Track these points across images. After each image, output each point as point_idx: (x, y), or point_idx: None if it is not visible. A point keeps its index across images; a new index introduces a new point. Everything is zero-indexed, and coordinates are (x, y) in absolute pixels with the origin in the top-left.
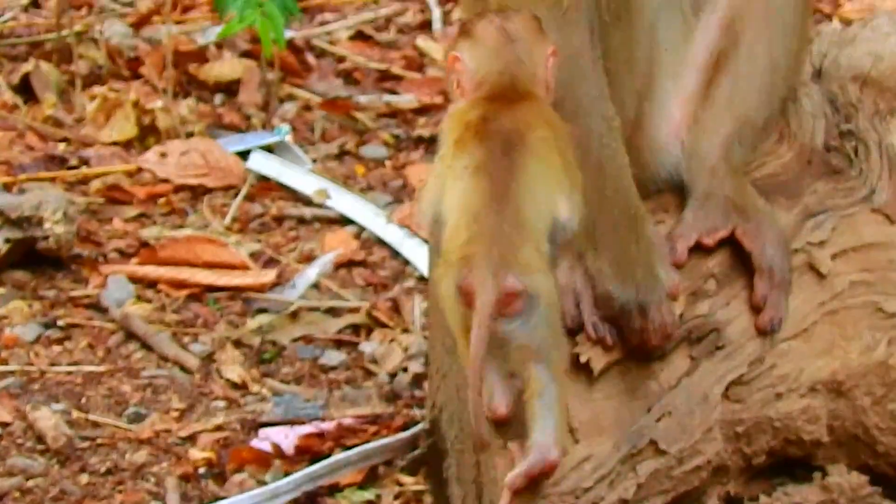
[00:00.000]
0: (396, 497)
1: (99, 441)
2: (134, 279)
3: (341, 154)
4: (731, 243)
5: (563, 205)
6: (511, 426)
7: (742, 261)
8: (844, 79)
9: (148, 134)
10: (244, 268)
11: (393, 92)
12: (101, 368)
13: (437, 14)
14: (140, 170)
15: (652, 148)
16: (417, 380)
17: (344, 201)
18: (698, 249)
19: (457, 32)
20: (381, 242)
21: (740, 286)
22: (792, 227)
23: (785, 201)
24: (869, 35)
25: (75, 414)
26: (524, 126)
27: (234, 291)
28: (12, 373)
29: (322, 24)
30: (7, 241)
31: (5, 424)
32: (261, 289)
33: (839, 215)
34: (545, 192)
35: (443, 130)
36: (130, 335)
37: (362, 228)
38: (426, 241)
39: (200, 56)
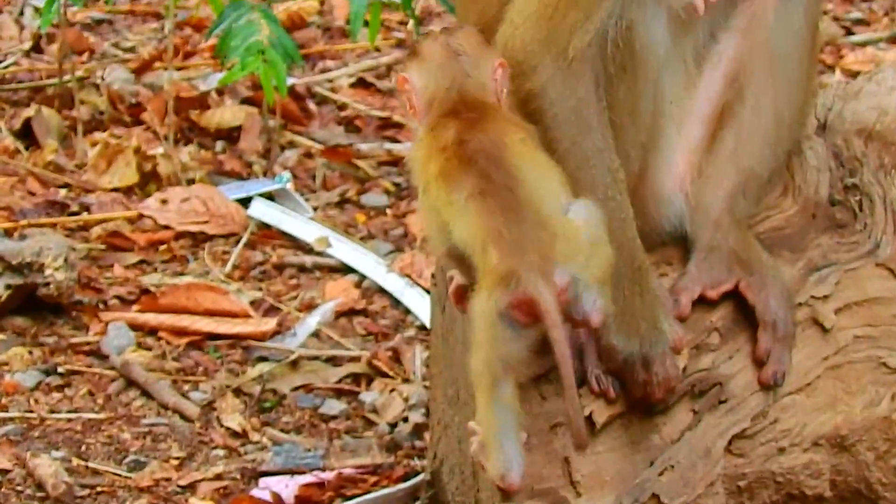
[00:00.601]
0: None
1: (99, 489)
2: (134, 326)
3: (342, 202)
4: (734, 296)
5: (563, 188)
6: None
7: (746, 314)
8: (849, 132)
9: (149, 180)
10: (245, 316)
11: (394, 140)
12: (101, 416)
13: None
14: (141, 216)
15: (656, 200)
16: (418, 430)
17: (345, 249)
18: (702, 302)
19: (405, 55)
20: (382, 291)
21: (744, 339)
22: (796, 281)
23: (789, 255)
24: (874, 89)
25: (75, 461)
26: (499, 134)
27: (235, 339)
28: (12, 419)
29: (323, 71)
30: (8, 287)
31: (5, 472)
32: (261, 337)
33: (843, 269)
34: (546, 186)
35: (415, 159)
36: (130, 382)
37: (363, 277)
38: (427, 291)
39: (202, 102)
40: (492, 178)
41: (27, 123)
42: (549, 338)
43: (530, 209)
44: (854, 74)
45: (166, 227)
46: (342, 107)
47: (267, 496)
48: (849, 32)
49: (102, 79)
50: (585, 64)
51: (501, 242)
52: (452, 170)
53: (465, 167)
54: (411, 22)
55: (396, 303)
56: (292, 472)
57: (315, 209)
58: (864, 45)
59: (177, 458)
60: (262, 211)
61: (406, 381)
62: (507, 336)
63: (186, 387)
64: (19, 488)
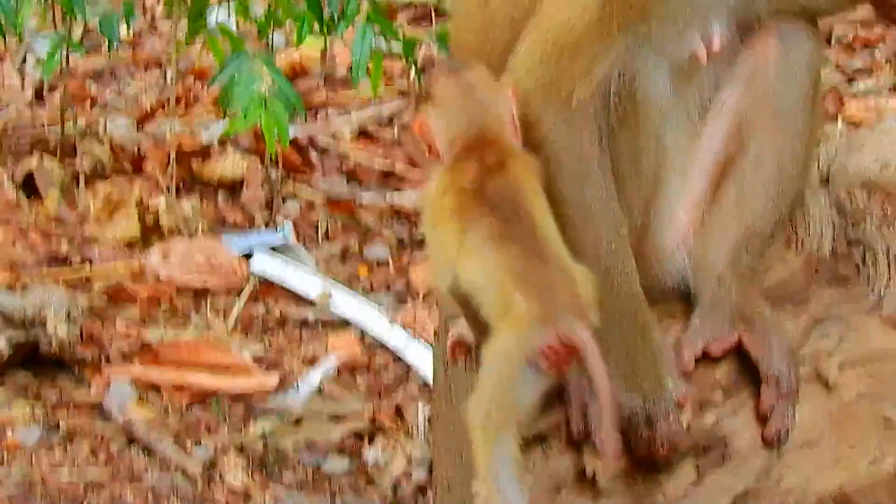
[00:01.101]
0: None
1: None
2: (136, 382)
3: (344, 254)
4: (737, 352)
5: None
6: None
7: (749, 370)
8: (852, 184)
9: (151, 232)
10: (247, 371)
11: (396, 191)
12: (103, 474)
13: None
14: (143, 270)
15: (658, 254)
16: (421, 488)
17: (347, 303)
18: (705, 358)
19: (418, 99)
20: (384, 346)
21: (747, 395)
22: (799, 336)
23: (792, 309)
24: (877, 140)
25: None
26: (518, 181)
27: (237, 395)
28: (13, 478)
29: (325, 120)
30: (10, 342)
31: None
32: (263, 393)
33: (847, 324)
34: (558, 235)
35: (427, 196)
36: (132, 440)
37: (366, 331)
38: (430, 345)
39: (204, 153)
40: (511, 222)
41: (29, 175)
42: (592, 375)
43: (550, 254)
44: (856, 123)
45: (168, 281)
46: (344, 157)
47: None
48: (851, 81)
49: (104, 129)
50: (588, 115)
51: (528, 285)
52: (469, 209)
53: (483, 209)
54: (413, 71)
55: (399, 358)
56: None
57: (317, 262)
58: (866, 93)
59: None
60: (264, 264)
61: (409, 436)
62: (525, 382)
63: (188, 443)
64: None
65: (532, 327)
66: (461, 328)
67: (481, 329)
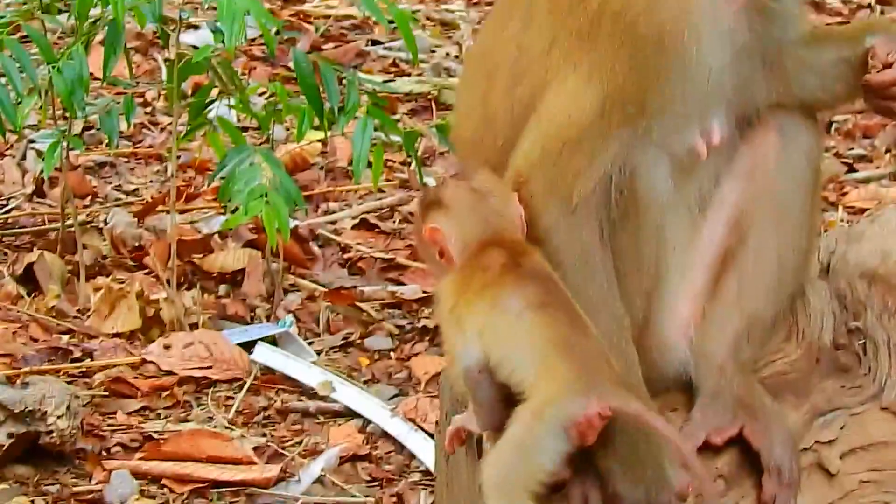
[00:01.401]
0: None
1: None
2: (137, 474)
3: (346, 345)
4: (739, 442)
5: None
6: None
7: (750, 460)
8: (853, 275)
9: (152, 325)
10: (248, 462)
11: (397, 282)
12: None
13: None
14: (144, 362)
15: (660, 346)
16: None
17: (348, 394)
18: (707, 448)
19: (424, 205)
20: (387, 436)
21: (749, 485)
22: (800, 426)
23: (793, 399)
24: (877, 231)
25: None
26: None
27: (239, 487)
28: None
29: (326, 212)
30: (10, 435)
31: None
32: (265, 484)
33: (848, 414)
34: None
35: (445, 287)
36: None
37: (367, 421)
38: (431, 436)
39: (205, 245)
40: (551, 292)
41: (29, 268)
42: (654, 429)
43: (588, 326)
44: (857, 211)
45: (169, 373)
46: (345, 248)
47: None
48: (851, 169)
49: (105, 222)
50: (589, 210)
51: (572, 353)
52: (502, 284)
53: (521, 282)
54: (414, 163)
55: (401, 447)
56: None
57: (319, 353)
58: (866, 181)
59: None
60: (265, 356)
61: None
62: (549, 449)
63: None
64: None
65: (574, 394)
66: (464, 419)
67: (495, 411)
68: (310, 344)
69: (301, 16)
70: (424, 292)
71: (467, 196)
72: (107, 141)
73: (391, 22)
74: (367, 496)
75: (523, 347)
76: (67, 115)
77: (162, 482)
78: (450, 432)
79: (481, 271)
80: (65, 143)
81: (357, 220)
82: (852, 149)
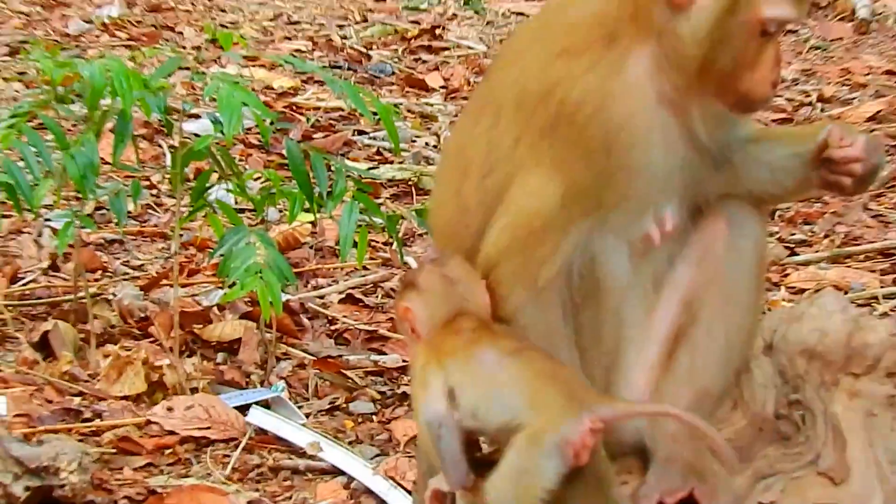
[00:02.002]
0: None
1: None
2: None
3: (332, 409)
4: (689, 502)
5: None
6: None
7: None
8: (793, 352)
9: (156, 389)
10: None
11: (380, 352)
12: None
13: None
14: (149, 422)
15: None
16: None
17: (334, 454)
18: None
19: (402, 286)
20: (369, 492)
21: None
22: (744, 489)
23: (738, 465)
24: (815, 312)
25: None
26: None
27: None
28: None
29: (315, 288)
30: (26, 489)
31: None
32: None
33: (788, 478)
34: None
35: (417, 353)
36: None
37: (351, 479)
38: (409, 492)
39: (204, 317)
40: (522, 339)
41: (45, 336)
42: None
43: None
44: (798, 292)
45: (172, 433)
46: (332, 321)
47: None
48: (793, 253)
49: (114, 295)
50: (553, 293)
51: (557, 382)
52: (479, 341)
53: (493, 338)
54: (395, 244)
55: (382, 503)
56: None
57: (307, 416)
58: (806, 264)
59: None
60: (259, 418)
61: None
62: (552, 471)
63: None
64: None
65: (566, 418)
66: (438, 481)
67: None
68: (299, 407)
69: (293, 108)
70: (404, 361)
71: (438, 281)
72: (116, 220)
73: (375, 114)
74: None
75: (509, 387)
76: (80, 196)
77: None
78: (428, 496)
79: (453, 335)
80: (77, 223)
81: (343, 295)
82: (794, 234)
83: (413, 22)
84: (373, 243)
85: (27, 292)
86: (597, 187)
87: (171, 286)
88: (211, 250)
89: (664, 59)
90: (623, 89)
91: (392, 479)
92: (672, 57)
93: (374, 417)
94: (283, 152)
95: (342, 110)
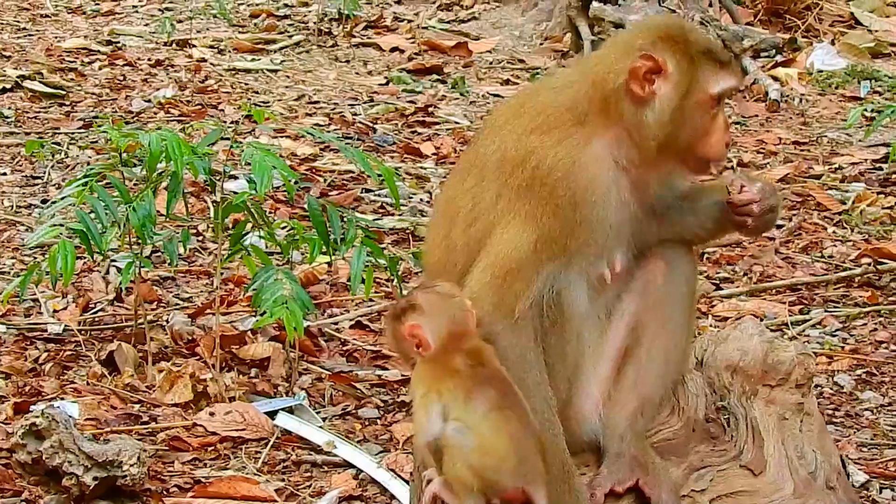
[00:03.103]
0: None
1: None
2: None
3: (344, 414)
4: (636, 491)
5: None
6: None
7: (644, 503)
8: (720, 368)
9: (201, 398)
10: (271, 500)
11: (383, 368)
12: None
13: None
14: (195, 425)
15: (578, 419)
16: None
17: (346, 450)
18: (612, 495)
19: (400, 311)
20: (374, 482)
21: None
22: (680, 479)
23: (676, 459)
24: (738, 335)
25: None
26: (496, 364)
27: None
28: None
29: (330, 316)
30: (95, 478)
31: None
32: None
33: (716, 470)
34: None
35: (418, 375)
36: None
37: (360, 471)
38: (407, 482)
39: (240, 339)
40: (507, 395)
41: (110, 355)
42: None
43: (532, 424)
44: (722, 319)
45: (214, 433)
46: (345, 343)
47: None
48: (718, 288)
49: (167, 321)
50: (527, 321)
51: (519, 448)
52: (472, 388)
53: (484, 386)
54: (395, 280)
55: (385, 490)
56: None
57: (324, 419)
58: (729, 297)
59: None
60: (285, 421)
61: None
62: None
63: None
64: None
65: (508, 477)
66: (431, 473)
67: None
68: (318, 413)
69: (313, 170)
70: (403, 375)
71: (439, 299)
72: (169, 261)
73: (380, 176)
74: None
75: (488, 432)
76: (140, 241)
77: None
78: (429, 498)
79: (451, 373)
80: (137, 263)
81: (353, 322)
82: (719, 272)
83: (410, 101)
84: (377, 280)
85: (96, 319)
86: (563, 236)
87: (214, 314)
88: (246, 285)
89: (625, 139)
90: (589, 160)
91: (393, 471)
92: (636, 138)
93: (378, 421)
94: (305, 206)
95: (353, 172)
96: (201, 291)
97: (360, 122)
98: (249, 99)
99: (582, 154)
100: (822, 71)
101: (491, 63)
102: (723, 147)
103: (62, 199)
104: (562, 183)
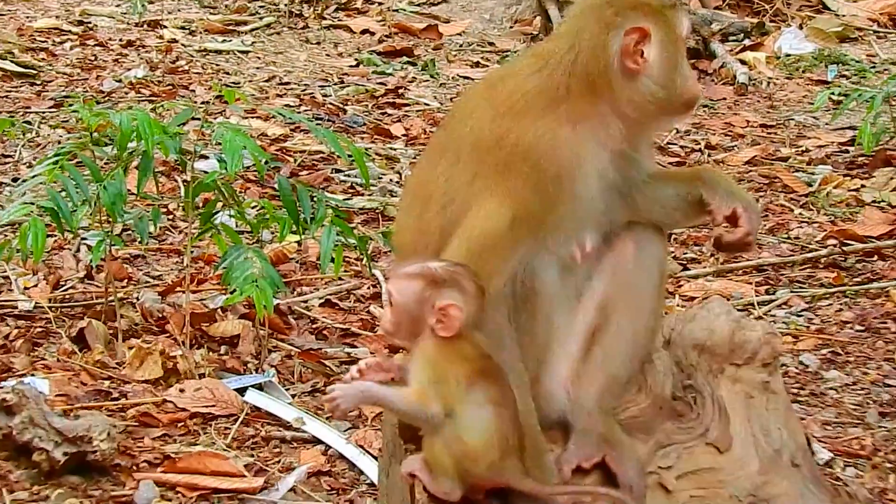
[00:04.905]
0: None
1: None
2: (159, 483)
3: (313, 391)
4: (602, 467)
5: None
6: None
7: (610, 479)
8: (687, 347)
9: (171, 375)
10: (241, 475)
11: (352, 345)
12: None
13: (384, 289)
14: (164, 401)
15: (547, 397)
16: None
17: (315, 426)
18: (579, 471)
19: (441, 280)
20: (342, 457)
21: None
22: (647, 455)
23: (642, 436)
24: (705, 315)
25: None
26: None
27: (233, 493)
28: None
29: (300, 294)
30: (65, 454)
31: None
32: (253, 492)
33: (682, 447)
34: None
35: (431, 356)
36: None
37: (328, 447)
38: (375, 458)
39: (210, 317)
40: (505, 392)
41: (81, 332)
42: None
43: (517, 412)
44: (689, 299)
45: (183, 409)
46: (314, 321)
47: None
48: (685, 268)
49: (137, 299)
50: (501, 299)
51: (506, 443)
52: (478, 381)
53: (488, 380)
54: (364, 259)
55: (353, 466)
56: None
57: (293, 396)
58: (696, 277)
59: None
60: (254, 398)
61: None
62: (452, 485)
63: None
64: None
65: (486, 470)
66: (413, 465)
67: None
68: (287, 389)
69: (284, 151)
70: (371, 354)
71: (475, 287)
72: (139, 239)
73: (350, 156)
74: (327, 501)
75: (481, 425)
76: (110, 220)
77: (177, 489)
78: (405, 471)
79: (461, 359)
80: (108, 241)
81: (323, 300)
82: (686, 253)
83: (380, 83)
84: (347, 259)
85: (67, 296)
86: (540, 213)
87: (184, 292)
88: (216, 263)
89: (609, 115)
90: (570, 136)
91: (361, 447)
92: (627, 109)
93: None
94: (276, 186)
95: (323, 153)
96: (171, 269)
97: (330, 104)
98: (220, 80)
99: (562, 130)
100: (789, 55)
101: (461, 46)
102: (697, 83)
103: (33, 177)
104: (544, 159)
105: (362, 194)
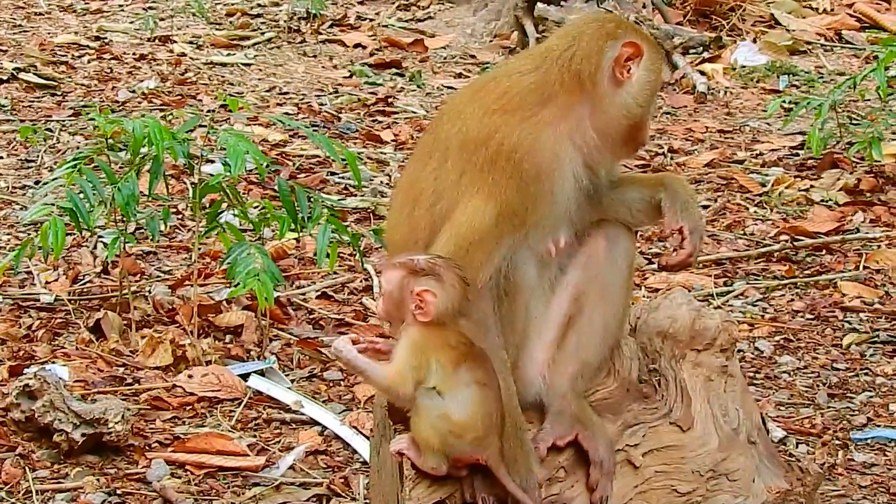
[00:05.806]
0: None
1: None
2: (169, 462)
3: (311, 377)
4: (575, 445)
5: None
6: None
7: (582, 457)
8: (651, 334)
9: (180, 362)
10: (244, 455)
11: (346, 334)
12: None
13: (376, 282)
14: (174, 386)
15: (524, 380)
16: None
17: (313, 409)
18: (553, 449)
19: (420, 269)
20: (338, 438)
21: (581, 474)
22: (616, 434)
23: (611, 416)
24: (668, 304)
25: None
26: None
27: (237, 471)
28: None
29: (298, 287)
30: (83, 435)
31: None
32: (255, 469)
33: (648, 426)
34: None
35: (416, 341)
36: (167, 501)
37: (325, 428)
38: (367, 438)
39: (216, 308)
40: (490, 374)
41: (97, 322)
42: (501, 479)
43: (509, 415)
44: (654, 290)
45: (192, 394)
46: (311, 312)
47: None
48: (650, 262)
49: (149, 292)
50: (486, 290)
51: (489, 421)
52: (463, 363)
53: (474, 363)
54: (357, 255)
55: (347, 446)
56: None
57: (293, 381)
58: (660, 270)
59: None
60: (256, 383)
61: (353, 500)
62: (438, 461)
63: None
64: None
65: (469, 447)
66: (403, 445)
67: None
68: (286, 375)
69: (283, 155)
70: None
71: (455, 277)
72: (151, 237)
73: (343, 160)
74: (324, 478)
75: (467, 403)
76: (124, 219)
77: (185, 467)
78: (393, 449)
79: (444, 345)
80: (122, 238)
81: (319, 293)
82: (651, 248)
83: (371, 93)
84: (341, 254)
85: (84, 290)
86: (523, 210)
87: (192, 285)
88: (221, 259)
89: (586, 121)
90: (550, 137)
91: (355, 428)
92: (602, 119)
93: (341, 383)
94: (276, 187)
95: (319, 157)
96: (180, 265)
97: (325, 112)
98: (225, 90)
99: (544, 132)
100: (744, 66)
101: (445, 58)
102: (649, 132)
103: (53, 180)
104: (526, 159)
105: (355, 195)
